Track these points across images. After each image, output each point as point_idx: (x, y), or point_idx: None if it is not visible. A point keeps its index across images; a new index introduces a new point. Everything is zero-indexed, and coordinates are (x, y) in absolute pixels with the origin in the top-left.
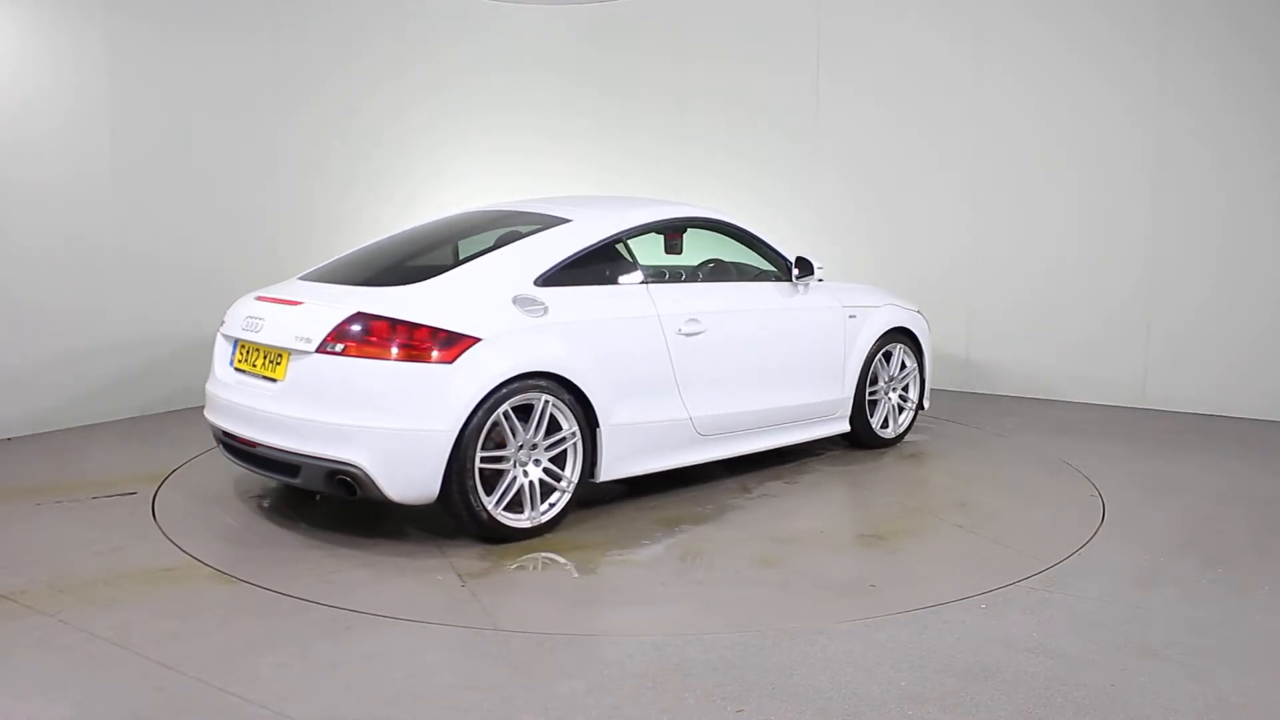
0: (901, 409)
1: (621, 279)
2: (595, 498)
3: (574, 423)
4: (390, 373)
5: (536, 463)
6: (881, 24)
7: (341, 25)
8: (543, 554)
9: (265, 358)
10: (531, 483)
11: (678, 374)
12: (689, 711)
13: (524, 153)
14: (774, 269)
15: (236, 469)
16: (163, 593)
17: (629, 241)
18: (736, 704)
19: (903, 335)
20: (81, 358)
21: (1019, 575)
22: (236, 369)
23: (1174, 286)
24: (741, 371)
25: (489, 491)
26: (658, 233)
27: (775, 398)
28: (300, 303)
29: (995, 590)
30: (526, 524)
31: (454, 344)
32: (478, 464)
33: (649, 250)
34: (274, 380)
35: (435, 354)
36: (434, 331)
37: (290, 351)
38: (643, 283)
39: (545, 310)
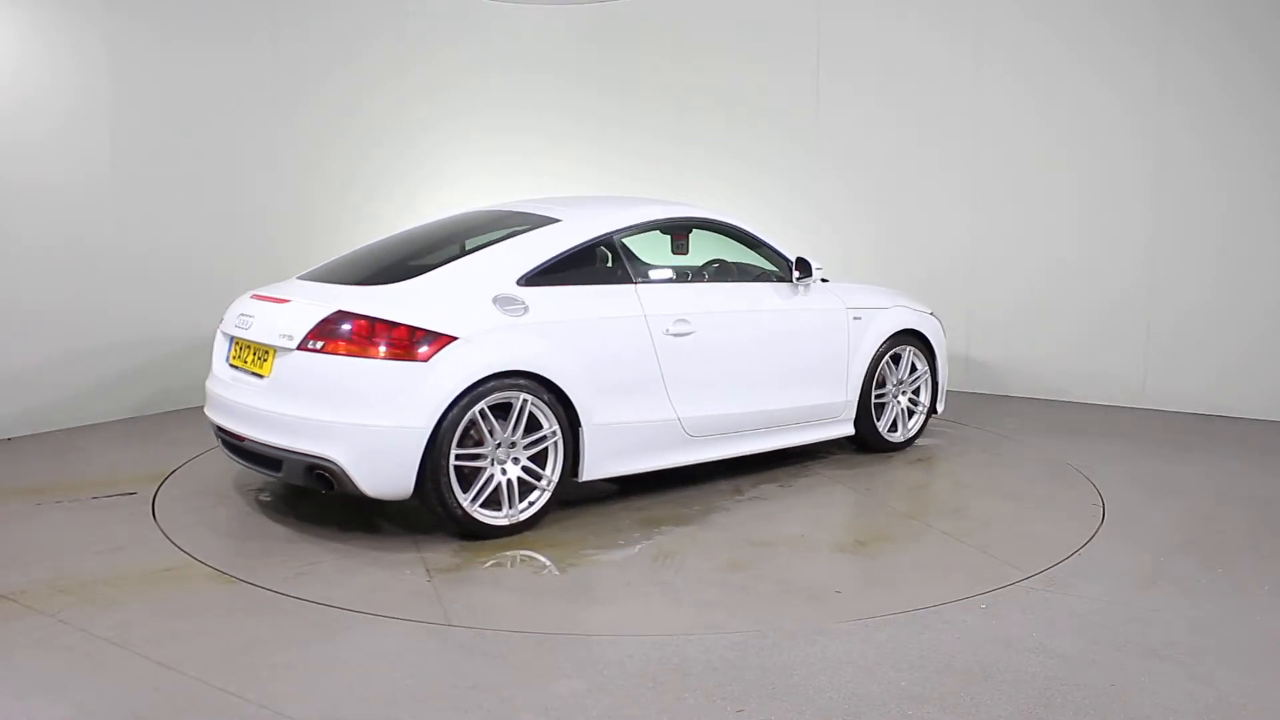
0: (912, 413)
1: (609, 279)
2: (584, 497)
3: (554, 422)
4: (367, 370)
5: (515, 461)
6: (881, 24)
7: (341, 25)
8: (521, 551)
9: (254, 354)
10: (510, 481)
11: (665, 374)
12: (689, 711)
13: (524, 153)
14: (776, 270)
15: (236, 468)
16: (163, 593)
17: (622, 241)
18: (736, 704)
19: (913, 337)
20: (81, 358)
21: (993, 585)
22: (231, 365)
23: (1174, 286)
24: (734, 372)
25: (466, 488)
26: (663, 232)
27: (770, 399)
28: (288, 301)
29: (966, 599)
30: (504, 521)
31: (430, 342)
32: (453, 461)
33: (653, 251)
34: (261, 376)
35: (411, 352)
36: (411, 330)
37: (275, 348)
38: (631, 283)
39: (525, 309)
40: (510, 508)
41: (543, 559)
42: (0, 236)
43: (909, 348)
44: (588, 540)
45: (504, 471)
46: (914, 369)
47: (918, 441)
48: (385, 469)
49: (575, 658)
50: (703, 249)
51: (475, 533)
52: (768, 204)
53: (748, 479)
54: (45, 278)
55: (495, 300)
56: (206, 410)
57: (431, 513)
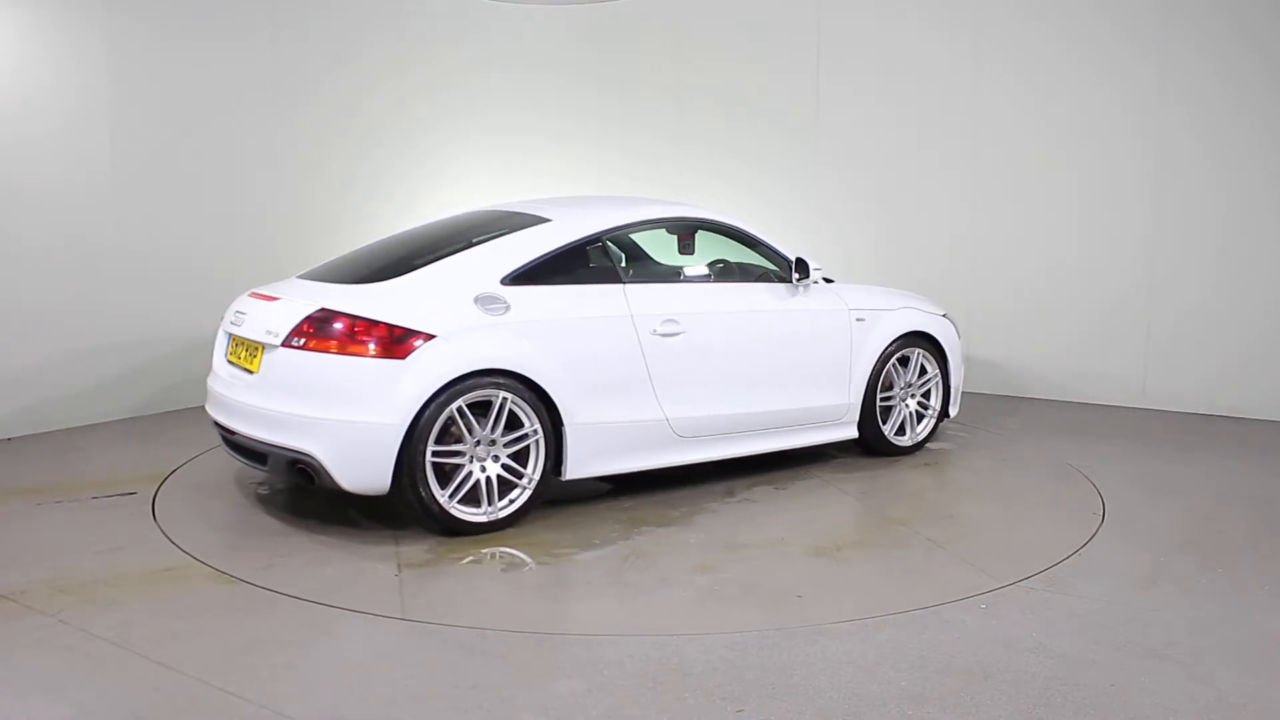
0: (921, 416)
1: (597, 279)
2: (574, 496)
3: (536, 421)
4: (346, 366)
5: (495, 459)
6: (881, 24)
7: (341, 25)
8: (498, 548)
9: (246, 350)
10: (489, 478)
11: (653, 375)
12: (689, 711)
13: (524, 153)
14: (777, 270)
15: (235, 468)
16: (163, 593)
17: (616, 241)
18: (736, 704)
19: (923, 340)
20: (81, 358)
21: (960, 594)
22: (229, 362)
23: (1173, 286)
24: (725, 373)
25: (445, 485)
26: (669, 232)
27: (765, 400)
28: (278, 299)
29: (966, 599)
30: (482, 519)
31: (407, 340)
32: (429, 458)
33: (652, 251)
34: (251, 372)
35: (389, 349)
36: (390, 328)
37: (264, 345)
38: (620, 283)
39: (507, 308)
40: (490, 505)
41: (520, 555)
42: (0, 236)
43: (918, 350)
44: (565, 539)
45: (483, 469)
46: (924, 371)
47: (929, 445)
48: (362, 464)
49: (575, 658)
50: (703, 249)
51: (453, 529)
52: (768, 204)
53: (742, 481)
54: (45, 278)
55: (477, 299)
56: (207, 406)
57: (409, 509)
